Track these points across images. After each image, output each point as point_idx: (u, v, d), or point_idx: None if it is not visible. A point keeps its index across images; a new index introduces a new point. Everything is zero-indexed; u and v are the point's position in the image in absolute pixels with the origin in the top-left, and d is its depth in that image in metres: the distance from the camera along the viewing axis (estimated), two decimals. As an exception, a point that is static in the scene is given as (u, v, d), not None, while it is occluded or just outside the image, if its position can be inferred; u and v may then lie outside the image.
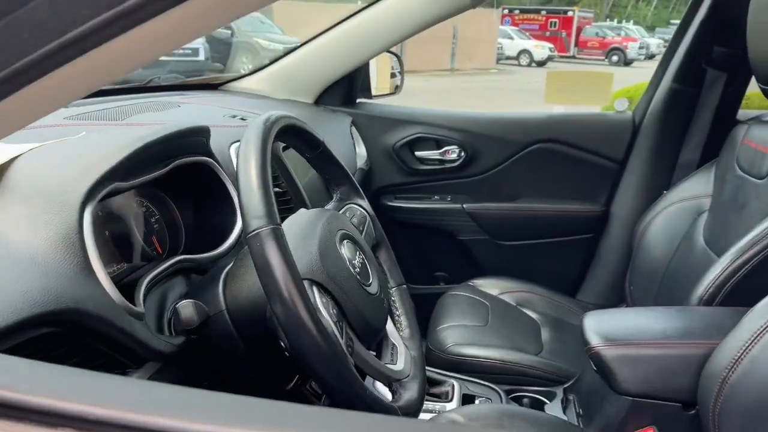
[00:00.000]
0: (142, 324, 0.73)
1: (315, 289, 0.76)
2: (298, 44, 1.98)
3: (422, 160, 2.06)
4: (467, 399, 1.37)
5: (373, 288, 0.87)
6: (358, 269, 0.85)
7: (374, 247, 1.05)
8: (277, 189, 1.12)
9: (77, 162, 0.76)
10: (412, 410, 0.85)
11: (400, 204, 2.08)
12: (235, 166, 1.09)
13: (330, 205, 1.00)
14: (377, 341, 0.90)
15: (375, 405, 0.75)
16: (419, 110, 2.11)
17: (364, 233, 1.00)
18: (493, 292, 1.85)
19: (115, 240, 0.87)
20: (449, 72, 17.45)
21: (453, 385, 1.38)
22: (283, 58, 2.01)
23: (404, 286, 1.06)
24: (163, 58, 0.52)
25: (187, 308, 0.70)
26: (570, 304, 1.88)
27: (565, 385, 1.46)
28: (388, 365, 0.89)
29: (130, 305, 0.72)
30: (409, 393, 0.87)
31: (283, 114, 0.84)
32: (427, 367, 1.43)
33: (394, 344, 0.95)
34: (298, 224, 0.85)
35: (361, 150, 2.00)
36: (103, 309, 0.68)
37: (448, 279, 2.17)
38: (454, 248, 2.09)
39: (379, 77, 2.27)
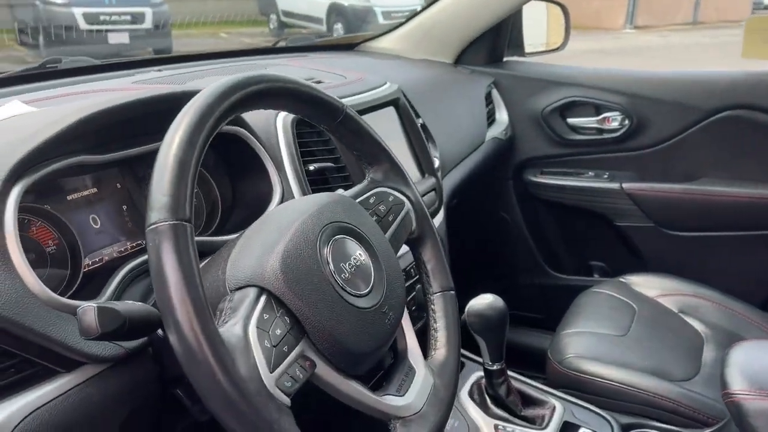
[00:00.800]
0: (73, 322, 0.63)
1: (261, 299, 0.60)
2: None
3: (576, 129, 1.75)
4: (569, 428, 1.11)
5: (368, 300, 0.68)
6: (347, 275, 0.67)
7: (415, 242, 0.85)
8: (313, 166, 0.96)
9: (26, 128, 0.68)
10: None
11: (546, 180, 1.80)
12: (279, 138, 0.96)
13: (354, 189, 0.81)
14: (369, 367, 0.71)
15: None
16: (575, 69, 1.79)
17: (394, 227, 0.80)
18: (650, 293, 1.51)
19: (109, 223, 0.79)
20: (691, 26, 15.50)
21: (554, 408, 1.13)
22: (421, 13, 1.82)
23: (452, 292, 0.84)
24: None
25: (87, 314, 0.59)
26: (755, 316, 1.47)
27: (710, 430, 1.12)
28: (386, 396, 0.70)
29: (61, 299, 0.63)
30: (410, 435, 0.68)
31: (265, 75, 0.68)
32: (529, 380, 1.20)
33: (411, 368, 0.76)
34: (278, 215, 0.69)
35: (502, 116, 1.75)
36: (17, 305, 0.59)
37: (605, 270, 1.85)
38: (610, 235, 1.76)
39: (550, 31, 1.97)
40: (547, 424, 1.10)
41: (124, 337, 0.59)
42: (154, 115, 0.75)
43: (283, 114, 0.98)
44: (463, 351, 1.29)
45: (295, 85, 0.71)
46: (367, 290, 0.68)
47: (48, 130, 0.66)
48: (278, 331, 0.59)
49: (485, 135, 1.60)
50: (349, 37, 2.22)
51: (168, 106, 0.68)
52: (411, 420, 0.70)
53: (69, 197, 0.77)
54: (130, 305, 0.58)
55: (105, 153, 0.74)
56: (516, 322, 1.60)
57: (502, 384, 1.09)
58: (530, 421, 1.11)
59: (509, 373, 1.12)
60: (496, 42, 1.81)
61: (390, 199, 0.82)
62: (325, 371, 0.63)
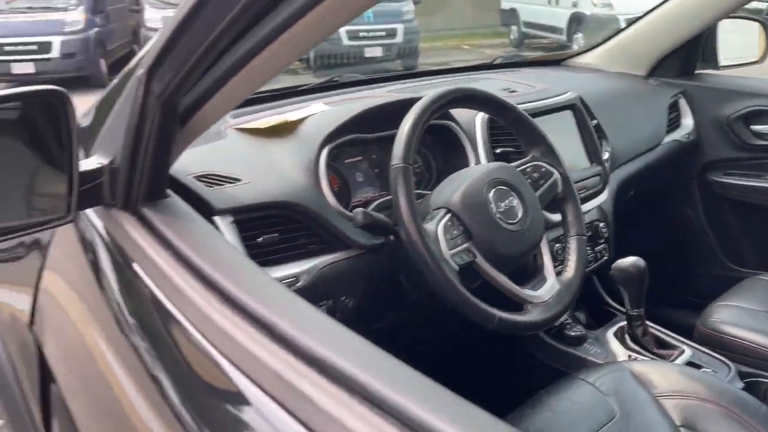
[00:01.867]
0: (349, 223, 1.15)
1: (447, 215, 1.07)
2: (640, 16, 2.07)
3: (760, 135, 1.92)
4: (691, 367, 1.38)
5: (515, 226, 1.10)
6: (502, 209, 1.10)
7: (561, 201, 1.24)
8: (500, 149, 1.38)
9: (329, 118, 1.23)
10: (526, 327, 1.07)
11: (730, 180, 1.99)
12: (476, 129, 1.41)
13: (518, 161, 1.24)
14: (514, 268, 1.12)
15: (471, 306, 1.01)
16: (762, 81, 1.95)
17: (544, 188, 1.21)
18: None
19: (367, 177, 1.32)
20: None
21: (683, 351, 1.41)
22: (622, 32, 2.13)
23: (583, 237, 1.22)
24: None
25: (357, 214, 1.09)
26: None
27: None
28: (524, 289, 1.11)
29: (343, 210, 1.15)
30: (534, 314, 1.09)
31: (460, 88, 1.14)
32: (666, 330, 1.47)
33: (545, 278, 1.16)
34: (464, 172, 1.15)
35: (687, 122, 1.99)
36: (321, 209, 1.13)
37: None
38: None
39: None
40: (672, 361, 1.39)
41: (373, 231, 1.09)
42: (397, 111, 1.25)
43: (481, 113, 1.43)
44: (611, 302, 1.62)
45: (478, 93, 1.16)
46: (515, 221, 1.11)
47: (340, 119, 1.20)
48: (455, 232, 1.05)
49: (662, 138, 1.87)
50: (555, 54, 2.58)
51: (403, 106, 1.17)
52: (538, 305, 1.10)
53: (346, 160, 1.31)
54: (379, 215, 1.09)
55: (369, 133, 1.26)
56: (686, 307, 1.84)
57: (639, 326, 1.42)
58: (659, 357, 1.41)
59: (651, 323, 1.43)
60: (689, 55, 2.04)
61: (542, 170, 1.23)
62: (482, 262, 1.07)
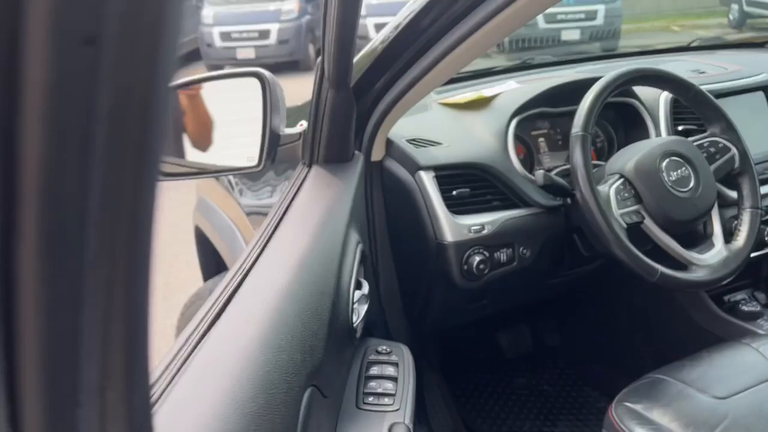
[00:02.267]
0: (533, 185, 1.33)
1: (620, 180, 1.20)
2: None
3: None
4: None
5: (687, 194, 1.21)
6: (674, 178, 1.21)
7: (738, 175, 1.31)
8: (682, 127, 1.45)
9: (519, 93, 1.41)
10: (687, 285, 1.18)
11: None
12: (660, 107, 1.51)
13: (697, 136, 1.32)
14: (681, 232, 1.23)
15: (634, 259, 1.15)
16: None
17: (719, 162, 1.29)
18: None
19: (549, 146, 1.48)
20: None
21: None
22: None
23: (757, 210, 1.28)
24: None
25: (538, 176, 1.26)
26: None
27: None
28: (691, 252, 1.22)
29: (527, 173, 1.34)
30: (697, 274, 1.19)
31: (640, 67, 1.26)
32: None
33: (713, 244, 1.25)
34: (641, 143, 1.28)
35: None
36: (507, 171, 1.32)
37: None
38: None
39: None
40: None
41: (552, 192, 1.26)
42: (581, 89, 1.40)
43: (665, 92, 1.52)
44: None
45: (657, 71, 1.27)
46: (686, 189, 1.21)
47: (528, 94, 1.38)
48: (626, 195, 1.19)
49: None
50: (760, 36, 2.48)
51: (587, 84, 1.32)
52: (702, 267, 1.20)
53: (532, 132, 1.48)
54: (557, 178, 1.26)
55: (554, 107, 1.42)
56: None
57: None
58: None
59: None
60: None
61: (720, 145, 1.30)
62: (650, 224, 1.20)
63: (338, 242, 0.92)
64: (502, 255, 1.30)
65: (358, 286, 0.94)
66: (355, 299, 0.89)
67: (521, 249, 1.32)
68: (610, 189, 1.20)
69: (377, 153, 1.24)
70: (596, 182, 1.21)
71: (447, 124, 1.42)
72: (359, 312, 0.90)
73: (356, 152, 1.15)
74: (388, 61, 1.08)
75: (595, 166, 1.28)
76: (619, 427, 1.10)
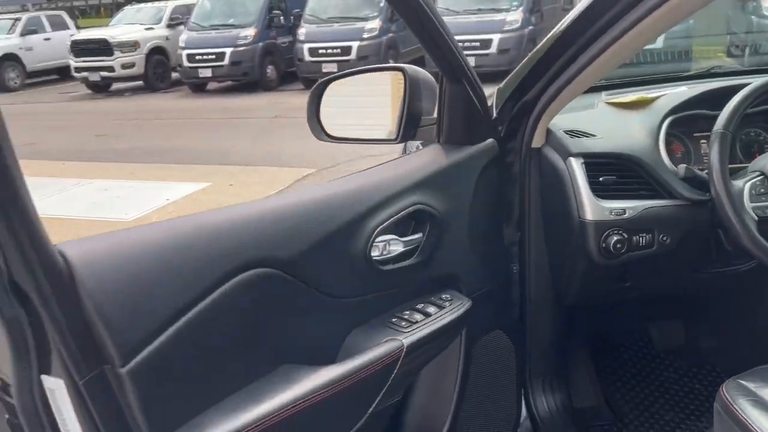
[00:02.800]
0: (680, 180, 1.44)
1: (759, 177, 1.29)
2: None
3: None
4: None
5: None
6: None
7: None
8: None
9: (677, 95, 1.53)
10: None
11: None
12: None
13: None
14: None
15: (763, 250, 1.23)
16: None
17: None
18: None
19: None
20: None
21: None
22: None
23: None
24: None
25: (680, 170, 1.39)
26: None
27: None
28: None
29: (675, 168, 1.45)
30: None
31: None
32: None
33: None
34: None
35: None
36: (654, 163, 1.45)
37: None
38: None
39: None
40: None
41: (694, 185, 1.38)
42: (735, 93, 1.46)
43: None
44: None
45: None
46: None
47: (684, 96, 1.50)
48: (762, 190, 1.28)
49: None
50: None
51: (740, 88, 1.40)
52: None
53: (695, 134, 1.58)
54: (699, 171, 1.38)
55: (711, 111, 1.52)
56: None
57: None
58: None
59: None
60: None
61: None
62: None
63: (384, 194, 1.14)
64: (641, 239, 1.44)
65: (394, 233, 1.16)
66: (378, 238, 1.11)
67: (661, 236, 1.44)
68: (745, 184, 1.29)
69: (537, 140, 1.46)
70: (735, 179, 1.30)
71: (605, 120, 1.59)
72: (383, 249, 1.13)
73: (491, 140, 1.37)
74: (552, 57, 1.29)
75: (742, 167, 1.37)
76: (730, 405, 1.18)
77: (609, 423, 1.77)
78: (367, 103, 1.47)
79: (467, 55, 1.25)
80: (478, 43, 10.11)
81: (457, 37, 1.20)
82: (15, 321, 0.74)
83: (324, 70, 10.34)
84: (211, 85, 12.75)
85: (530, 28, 10.49)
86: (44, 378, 0.79)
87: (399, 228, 1.18)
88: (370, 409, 1.09)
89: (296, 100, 9.87)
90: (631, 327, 2.04)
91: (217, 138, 8.45)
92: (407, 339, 1.11)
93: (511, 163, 1.44)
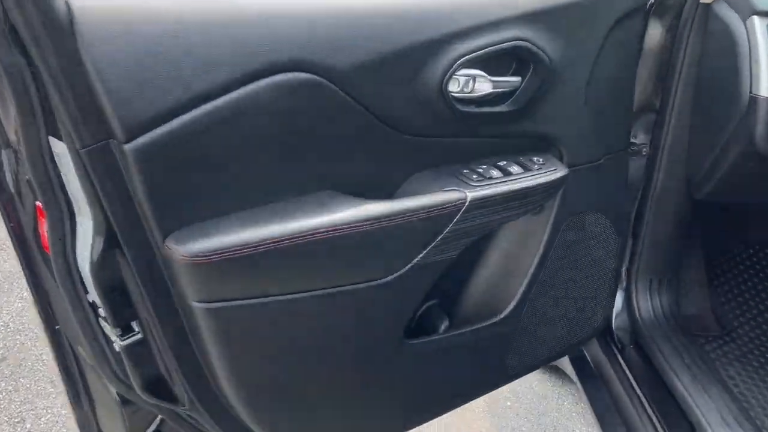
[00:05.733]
0: None
1: None
2: None
3: None
4: None
5: None
6: None
7: None
8: None
9: None
10: None
11: None
12: None
13: None
14: None
15: None
16: None
17: None
18: None
19: None
20: None
21: None
22: None
23: None
24: None
25: None
26: None
27: None
28: None
29: None
30: None
31: None
32: None
33: None
34: None
35: None
36: None
37: None
38: None
39: None
40: None
41: None
42: None
43: None
44: None
45: None
46: None
47: None
48: None
49: None
50: None
51: None
52: None
53: None
54: None
55: None
56: None
57: None
58: None
59: None
60: None
61: None
62: None
63: (477, 19, 0.94)
64: None
65: (484, 70, 0.97)
66: (461, 70, 0.94)
67: None
68: None
69: (713, -8, 1.14)
70: None
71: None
72: (464, 85, 0.95)
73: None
74: None
75: None
76: None
77: (716, 335, 1.54)
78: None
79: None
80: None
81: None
82: (14, 68, 0.68)
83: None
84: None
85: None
86: (52, 140, 0.75)
87: (491, 65, 0.97)
88: (416, 260, 0.97)
89: None
90: (760, 239, 1.68)
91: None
92: (473, 193, 0.96)
93: (664, 17, 1.15)
